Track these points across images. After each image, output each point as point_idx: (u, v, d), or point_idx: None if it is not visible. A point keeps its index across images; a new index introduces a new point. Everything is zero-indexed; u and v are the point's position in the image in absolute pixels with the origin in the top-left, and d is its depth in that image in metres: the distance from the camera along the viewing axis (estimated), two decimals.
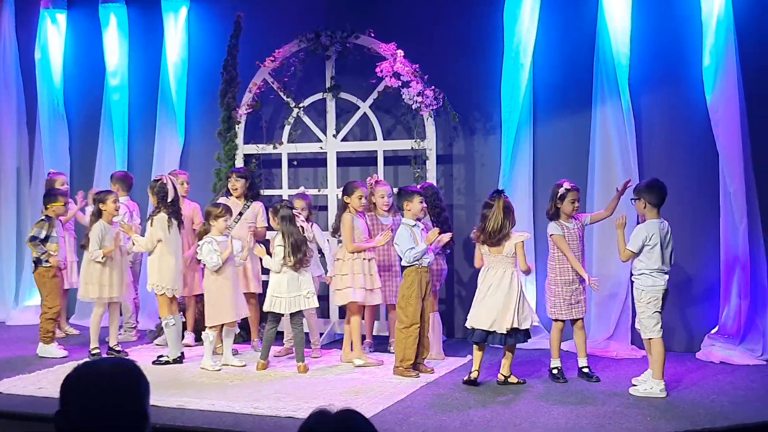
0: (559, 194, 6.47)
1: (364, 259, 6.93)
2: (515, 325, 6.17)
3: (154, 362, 7.00)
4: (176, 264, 7.12)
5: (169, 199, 7.08)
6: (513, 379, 6.33)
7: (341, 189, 7.38)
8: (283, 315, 6.85)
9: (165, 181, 7.11)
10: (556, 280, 6.49)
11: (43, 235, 7.49)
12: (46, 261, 7.46)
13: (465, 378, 6.31)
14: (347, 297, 6.89)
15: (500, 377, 6.34)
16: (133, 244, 7.25)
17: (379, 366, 6.84)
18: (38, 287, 7.68)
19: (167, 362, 6.98)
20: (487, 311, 6.20)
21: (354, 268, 6.87)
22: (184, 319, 7.69)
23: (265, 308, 6.85)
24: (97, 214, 7.33)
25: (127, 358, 2.43)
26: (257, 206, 7.68)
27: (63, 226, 7.87)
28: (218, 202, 7.43)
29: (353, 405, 5.65)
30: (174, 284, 7.10)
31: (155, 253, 7.09)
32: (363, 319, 7.22)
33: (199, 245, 6.95)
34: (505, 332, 6.16)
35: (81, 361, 2.36)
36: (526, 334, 6.30)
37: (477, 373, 6.29)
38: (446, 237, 6.72)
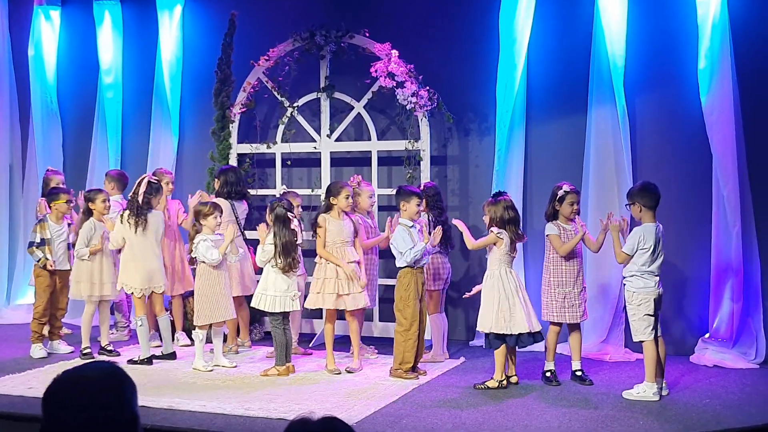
0: (558, 196, 6.46)
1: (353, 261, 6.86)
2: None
3: (128, 361, 7.01)
4: (141, 264, 7.03)
5: (137, 199, 6.99)
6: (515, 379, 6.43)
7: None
8: (281, 313, 6.73)
9: (138, 181, 7.08)
10: (549, 282, 6.48)
11: (38, 239, 7.44)
12: (43, 266, 7.41)
13: (498, 385, 6.26)
14: (314, 302, 6.87)
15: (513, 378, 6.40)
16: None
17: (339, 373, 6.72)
18: None
19: (135, 362, 6.95)
20: (524, 312, 6.22)
21: (327, 272, 6.78)
22: (172, 318, 7.67)
23: (253, 304, 6.83)
24: (87, 213, 7.31)
25: (107, 360, 2.33)
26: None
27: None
28: (207, 201, 7.39)
29: (345, 407, 5.63)
30: (142, 284, 7.05)
31: (125, 252, 7.07)
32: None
33: (194, 244, 6.90)
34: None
35: (60, 372, 2.27)
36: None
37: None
38: (438, 233, 6.59)
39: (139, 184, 7.05)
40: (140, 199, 7.00)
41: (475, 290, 6.68)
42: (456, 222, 6.69)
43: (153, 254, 7.13)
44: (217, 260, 6.81)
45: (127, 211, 7.04)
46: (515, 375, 6.40)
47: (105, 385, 2.20)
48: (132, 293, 7.09)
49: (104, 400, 2.18)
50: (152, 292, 7.14)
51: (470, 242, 6.51)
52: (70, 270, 7.52)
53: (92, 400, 2.17)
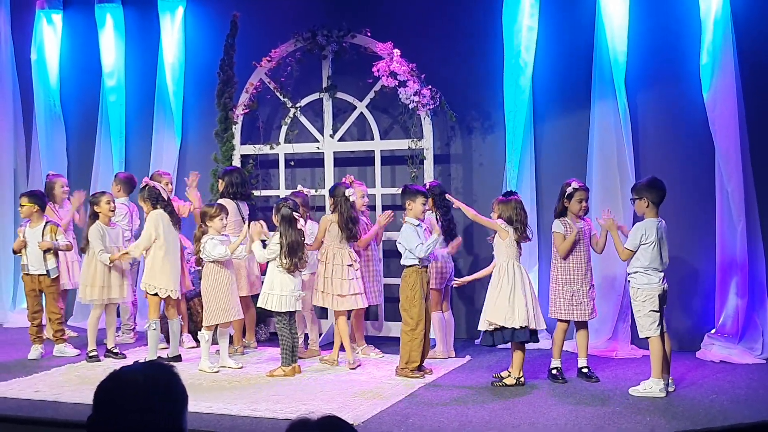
0: (567, 193, 6.45)
1: (346, 264, 6.92)
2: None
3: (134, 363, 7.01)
4: (172, 264, 7.09)
5: (164, 200, 7.09)
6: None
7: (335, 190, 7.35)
8: (287, 313, 6.75)
9: (152, 185, 7.12)
10: (557, 279, 6.48)
11: (16, 246, 7.60)
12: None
13: (514, 382, 6.27)
14: (319, 301, 7.02)
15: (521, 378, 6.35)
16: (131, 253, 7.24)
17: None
18: None
19: None
20: (525, 307, 6.22)
21: (335, 272, 6.92)
22: (182, 322, 7.66)
23: (259, 304, 6.85)
24: (93, 217, 7.32)
25: (167, 364, 2.32)
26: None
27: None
28: (215, 202, 7.39)
29: (351, 407, 5.64)
30: (169, 284, 7.07)
31: (153, 251, 7.08)
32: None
33: (200, 245, 6.91)
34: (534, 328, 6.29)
35: (118, 367, 2.27)
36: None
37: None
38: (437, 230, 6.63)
39: (154, 188, 7.10)
40: (169, 199, 7.15)
41: (466, 279, 6.75)
42: (450, 197, 6.71)
43: (178, 257, 7.17)
44: (225, 255, 6.82)
45: (161, 210, 7.07)
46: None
47: (159, 390, 2.20)
48: (156, 294, 7.06)
49: (155, 405, 2.17)
50: (167, 296, 7.14)
51: (470, 212, 6.50)
52: (47, 273, 7.50)
53: (143, 402, 2.16)
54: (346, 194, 6.97)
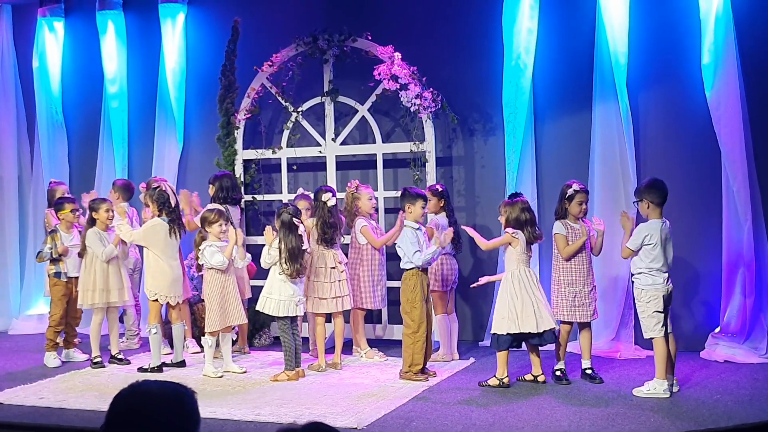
0: (567, 195, 6.45)
1: (329, 267, 6.99)
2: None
3: (138, 369, 7.07)
4: (172, 270, 7.10)
5: (171, 206, 7.10)
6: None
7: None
8: (288, 317, 6.76)
9: (164, 188, 7.12)
10: (559, 281, 6.47)
11: (47, 250, 7.48)
12: (56, 275, 7.49)
13: (500, 383, 6.31)
14: (311, 306, 7.06)
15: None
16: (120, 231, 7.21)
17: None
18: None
19: (145, 370, 6.99)
20: (534, 311, 6.25)
21: (317, 275, 7.00)
22: (186, 327, 7.67)
23: (258, 308, 6.85)
24: (91, 222, 7.34)
25: (183, 385, 2.34)
26: None
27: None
28: (212, 207, 7.38)
29: (355, 410, 5.64)
30: (168, 291, 7.08)
31: (150, 258, 7.10)
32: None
33: (200, 251, 6.93)
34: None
35: (139, 380, 2.30)
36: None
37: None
38: (450, 234, 6.59)
39: (165, 191, 7.10)
40: (176, 205, 7.17)
41: (482, 281, 6.71)
42: (465, 228, 6.76)
43: (177, 263, 7.19)
44: (223, 264, 6.83)
45: (162, 220, 7.07)
46: (542, 374, 6.39)
47: (177, 408, 2.22)
48: (156, 299, 7.07)
49: (171, 422, 2.19)
50: (167, 302, 7.14)
51: (483, 243, 6.52)
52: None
53: (160, 417, 2.18)
54: (324, 199, 7.02)
